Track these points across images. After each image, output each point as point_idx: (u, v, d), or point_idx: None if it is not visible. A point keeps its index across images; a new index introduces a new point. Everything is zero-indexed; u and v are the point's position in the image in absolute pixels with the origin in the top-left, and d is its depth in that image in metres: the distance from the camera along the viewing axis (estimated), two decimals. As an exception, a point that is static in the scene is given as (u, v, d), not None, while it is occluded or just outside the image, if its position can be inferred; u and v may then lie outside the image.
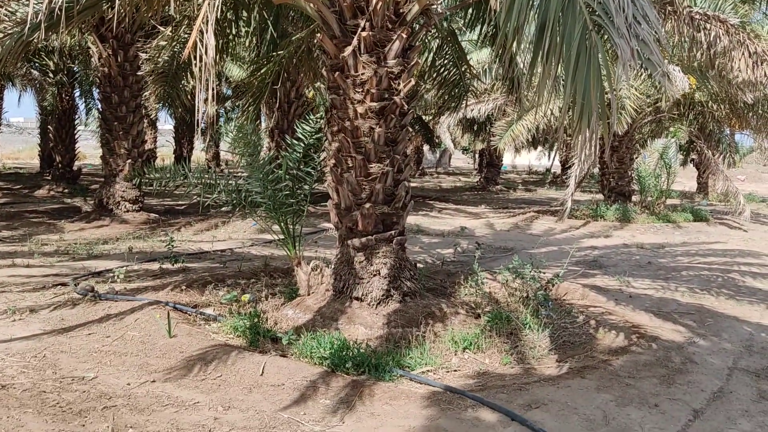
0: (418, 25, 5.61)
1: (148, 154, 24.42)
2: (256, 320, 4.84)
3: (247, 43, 7.97)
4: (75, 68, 18.00)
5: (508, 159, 35.10)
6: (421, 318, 5.28)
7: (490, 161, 25.06)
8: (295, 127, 6.53)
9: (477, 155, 32.74)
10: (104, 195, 11.85)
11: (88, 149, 28.21)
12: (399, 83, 5.32)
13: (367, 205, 5.29)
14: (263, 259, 8.32)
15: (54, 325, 5.00)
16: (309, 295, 5.74)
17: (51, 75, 17.50)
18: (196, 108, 5.36)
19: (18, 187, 18.40)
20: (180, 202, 15.07)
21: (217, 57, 6.51)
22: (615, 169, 14.77)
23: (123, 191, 11.77)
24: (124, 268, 7.32)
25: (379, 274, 5.35)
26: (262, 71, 7.67)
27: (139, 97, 12.06)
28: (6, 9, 5.64)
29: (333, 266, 5.64)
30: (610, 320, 5.74)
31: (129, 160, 11.81)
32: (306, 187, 5.97)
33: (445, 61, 7.87)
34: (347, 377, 4.13)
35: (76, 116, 18.35)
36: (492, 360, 4.74)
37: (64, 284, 6.41)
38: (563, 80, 3.27)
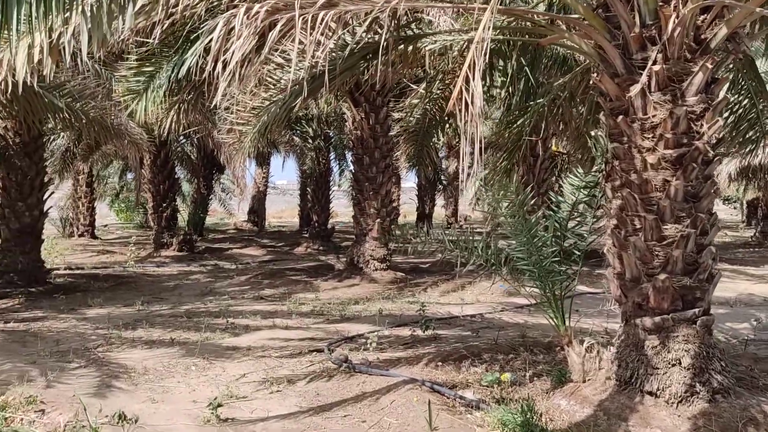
0: (721, 53, 4.54)
1: (395, 213, 25.43)
2: (528, 415, 4.05)
3: (499, 95, 7.46)
4: (330, 133, 19.29)
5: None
6: (740, 424, 4.05)
7: (766, 212, 21.53)
8: (549, 183, 5.72)
9: (744, 206, 28.58)
10: (355, 254, 12.09)
11: (340, 207, 30.12)
12: (701, 125, 4.28)
13: (662, 276, 4.26)
14: (517, 328, 7.54)
15: (310, 401, 4.72)
16: (584, 382, 4.79)
17: (310, 141, 18.94)
18: (461, 164, 4.86)
19: (281, 244, 19.99)
20: (424, 260, 14.99)
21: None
22: None
23: (372, 250, 11.88)
24: (376, 334, 7.04)
25: (680, 364, 4.24)
26: (518, 123, 7.05)
27: (389, 157, 12.25)
28: (271, 77, 5.76)
29: (615, 349, 4.65)
30: None
31: (378, 220, 11.94)
32: (577, 252, 5.11)
33: (740, 97, 6.53)
34: None
35: (331, 178, 19.54)
36: None
37: (319, 351, 6.26)
38: None
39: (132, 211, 27.91)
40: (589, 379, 4.79)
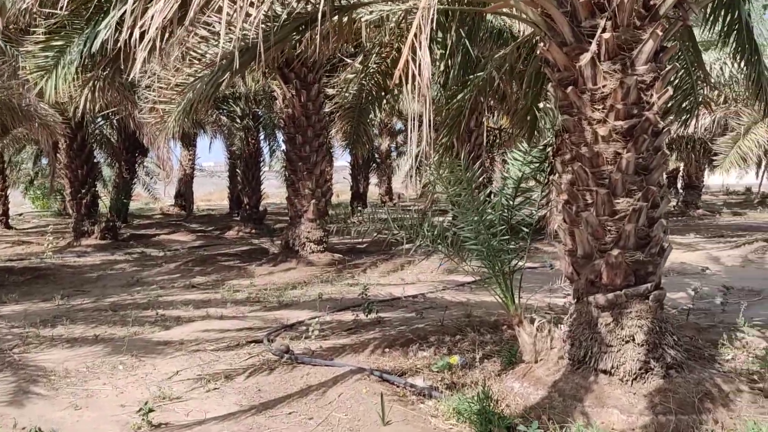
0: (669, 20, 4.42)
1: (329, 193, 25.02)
2: (485, 403, 3.86)
3: (438, 68, 7.20)
4: (260, 113, 18.65)
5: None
6: (696, 400, 4.00)
7: (689, 183, 22.41)
8: (484, 160, 5.53)
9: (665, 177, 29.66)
10: (290, 236, 11.70)
11: (271, 189, 29.46)
12: (651, 95, 4.16)
13: (615, 252, 4.14)
14: (461, 307, 7.40)
15: (251, 398, 4.39)
16: (536, 362, 4.66)
17: (239, 120, 18.25)
18: (409, 139, 4.59)
19: (210, 228, 19.30)
20: (361, 240, 14.72)
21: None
22: None
23: (308, 232, 11.52)
24: (317, 320, 6.76)
25: (633, 340, 4.15)
26: (457, 98, 6.83)
27: (323, 136, 11.86)
28: (196, 51, 5.30)
29: (567, 327, 4.53)
30: None
31: (313, 201, 11.58)
32: (525, 229, 4.95)
33: (677, 67, 6.50)
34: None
35: (261, 158, 18.94)
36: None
37: (258, 341, 5.91)
38: None
39: (48, 199, 26.39)
40: (541, 360, 4.67)
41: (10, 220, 20.70)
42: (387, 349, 5.36)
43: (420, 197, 35.81)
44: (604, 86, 4.13)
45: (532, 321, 4.89)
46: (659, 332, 4.21)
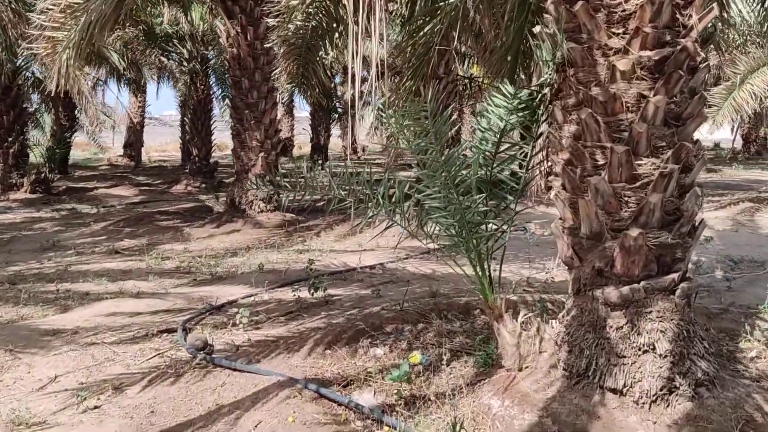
0: None
1: (285, 143, 23.46)
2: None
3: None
4: (209, 55, 17.03)
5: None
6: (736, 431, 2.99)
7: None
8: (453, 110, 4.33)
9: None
10: (236, 194, 10.43)
11: (226, 139, 27.87)
12: (689, 15, 3.01)
13: (634, 232, 3.04)
14: (425, 281, 6.33)
15: (138, 425, 3.24)
16: (521, 370, 3.60)
17: (185, 63, 16.62)
18: (356, 77, 3.39)
19: (158, 182, 17.84)
20: (317, 198, 13.50)
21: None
22: None
23: (256, 190, 10.25)
24: (251, 299, 5.61)
25: (654, 350, 3.09)
26: (424, 30, 5.59)
27: (272, 80, 10.47)
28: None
29: (563, 327, 3.45)
30: None
31: (262, 154, 10.28)
32: (510, 197, 3.82)
33: None
34: None
35: (211, 106, 17.41)
36: None
37: (172, 331, 4.74)
38: None
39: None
40: (527, 367, 3.60)
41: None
42: (331, 346, 4.24)
43: (384, 150, 34.47)
44: (626, 1, 2.96)
45: (515, 314, 3.81)
46: (687, 338, 3.16)
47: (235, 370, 3.86)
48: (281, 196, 4.45)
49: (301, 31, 6.30)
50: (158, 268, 7.17)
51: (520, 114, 3.90)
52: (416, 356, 4.03)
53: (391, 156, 16.27)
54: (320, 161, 20.98)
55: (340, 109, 21.83)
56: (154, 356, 4.23)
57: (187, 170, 18.16)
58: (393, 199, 3.83)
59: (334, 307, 5.37)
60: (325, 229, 9.69)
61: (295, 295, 5.53)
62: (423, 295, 5.61)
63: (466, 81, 16.35)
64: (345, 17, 6.14)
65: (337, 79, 21.62)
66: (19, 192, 14.19)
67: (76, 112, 19.50)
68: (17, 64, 13.90)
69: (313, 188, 4.39)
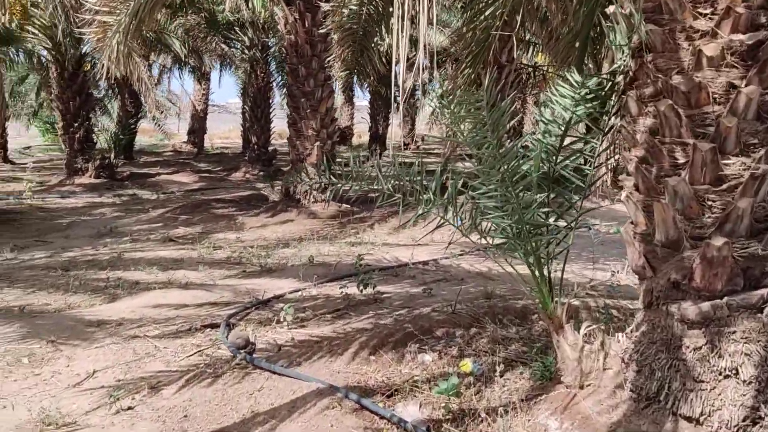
0: None
1: (344, 132, 23.34)
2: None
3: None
4: (270, 43, 17.00)
5: None
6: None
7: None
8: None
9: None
10: (291, 183, 10.30)
11: (285, 127, 28.01)
12: (792, -8, 2.60)
13: (719, 242, 2.66)
14: (480, 281, 6.03)
15: (169, 429, 3.08)
16: (582, 388, 3.26)
17: (247, 51, 16.64)
18: (403, 70, 3.11)
19: (218, 169, 18.03)
20: (375, 188, 13.29)
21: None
22: None
23: (311, 178, 10.10)
24: (299, 294, 5.45)
25: (736, 374, 2.71)
26: (485, 14, 5.25)
27: (330, 68, 10.27)
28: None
29: (631, 343, 3.10)
30: None
31: (317, 143, 10.12)
32: (575, 197, 3.47)
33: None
34: None
35: (271, 93, 17.41)
36: None
37: (215, 326, 4.60)
38: None
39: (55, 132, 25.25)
40: (588, 384, 3.26)
41: (10, 154, 19.68)
42: (377, 350, 4.00)
43: (443, 141, 33.90)
44: (718, -24, 2.58)
45: (577, 325, 3.48)
46: (777, 364, 2.76)
47: (274, 373, 3.67)
48: (328, 189, 4.21)
49: (355, 17, 6.04)
50: (209, 257, 7.10)
51: (588, 105, 3.53)
52: (467, 364, 3.76)
53: (449, 147, 15.88)
54: (377, 150, 20.77)
55: (398, 98, 21.51)
56: (195, 353, 4.10)
57: (246, 158, 18.27)
58: (445, 196, 3.55)
59: (382, 306, 5.13)
60: (379, 221, 9.46)
61: (343, 291, 5.32)
62: (477, 296, 5.31)
63: (530, 69, 15.77)
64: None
65: (399, 68, 21.29)
66: (83, 177, 14.51)
67: (141, 98, 19.91)
68: (82, 51, 14.17)
69: (361, 181, 4.17)
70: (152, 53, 18.70)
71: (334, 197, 10.16)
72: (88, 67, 15.06)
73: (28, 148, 24.67)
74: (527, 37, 12.76)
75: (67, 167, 14.79)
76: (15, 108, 23.12)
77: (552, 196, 3.51)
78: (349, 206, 10.35)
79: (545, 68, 14.54)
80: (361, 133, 30.66)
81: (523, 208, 3.22)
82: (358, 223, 9.32)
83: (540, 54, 15.53)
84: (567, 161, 3.49)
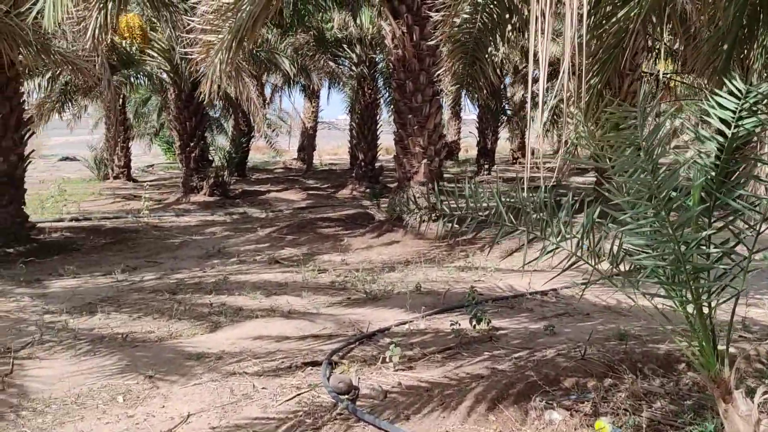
0: None
1: (450, 147, 22.85)
2: None
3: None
4: (377, 59, 16.89)
5: None
6: None
7: None
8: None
9: None
10: (397, 202, 9.94)
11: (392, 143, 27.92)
12: None
13: None
14: (609, 316, 5.37)
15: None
16: (761, 475, 2.60)
17: (355, 67, 16.60)
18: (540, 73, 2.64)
19: (326, 186, 18.07)
20: (493, 220, 12.70)
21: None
22: None
23: (418, 198, 9.70)
24: (405, 327, 5.04)
25: None
26: (618, 16, 4.63)
27: (438, 82, 9.86)
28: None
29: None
30: None
31: (425, 160, 9.72)
32: (748, 231, 2.82)
33: None
34: None
35: (378, 110, 17.27)
36: None
37: (316, 364, 4.26)
38: None
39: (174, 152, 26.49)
40: (770, 471, 2.59)
41: (133, 173, 20.70)
42: (496, 404, 3.48)
43: (555, 154, 32.63)
44: None
45: (749, 392, 2.81)
46: None
47: (379, 429, 3.25)
48: (440, 220, 3.82)
49: (468, 26, 5.58)
50: (313, 282, 6.84)
51: (756, 117, 2.88)
52: (605, 427, 3.17)
53: (565, 164, 15.01)
54: (486, 165, 20.12)
55: (509, 111, 20.77)
56: (294, 397, 3.75)
57: (353, 174, 18.22)
58: (578, 232, 3.01)
59: (498, 345, 4.61)
60: (490, 242, 8.87)
61: (453, 326, 4.84)
62: (608, 337, 4.66)
63: (655, 78, 14.63)
64: (520, 6, 5.36)
65: (508, 80, 20.51)
66: (198, 195, 14.91)
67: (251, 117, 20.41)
68: (199, 71, 14.61)
69: (476, 211, 3.74)
70: (265, 73, 19.12)
71: (443, 216, 9.73)
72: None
73: (151, 166, 26.00)
74: (650, 43, 11.80)
75: (183, 185, 15.28)
76: (139, 128, 24.43)
77: (712, 231, 2.88)
78: (457, 226, 9.84)
79: (668, 76, 13.42)
80: (468, 147, 30.06)
81: (683, 249, 2.61)
82: (467, 245, 8.79)
83: (663, 61, 14.40)
84: (736, 187, 2.84)
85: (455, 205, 3.77)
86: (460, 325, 4.84)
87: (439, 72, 7.35)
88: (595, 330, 4.92)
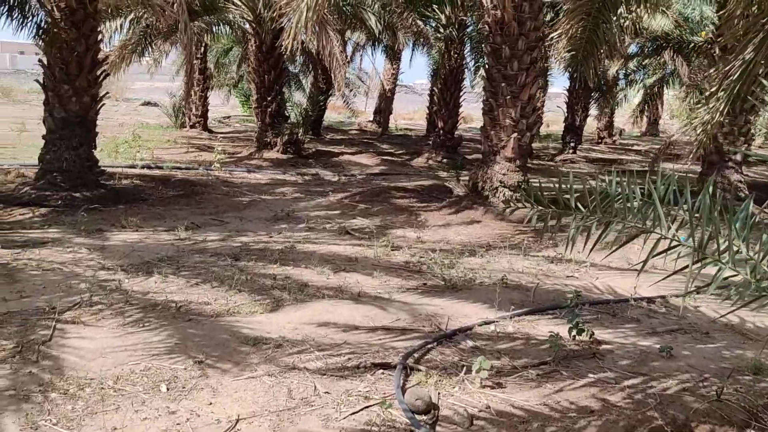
0: None
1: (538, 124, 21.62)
2: None
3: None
4: (468, 21, 15.86)
5: None
6: None
7: None
8: None
9: None
10: (480, 177, 9.15)
11: (475, 111, 26.82)
12: None
13: None
14: (731, 338, 4.52)
15: None
16: None
17: (442, 29, 15.66)
18: None
19: (400, 152, 17.37)
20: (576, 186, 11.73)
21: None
22: None
23: (503, 174, 8.88)
24: (491, 327, 4.37)
25: None
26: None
27: (537, 49, 8.92)
28: None
29: None
30: None
31: (515, 134, 8.85)
32: None
33: None
34: None
35: (463, 76, 16.31)
36: None
37: (388, 366, 3.65)
38: None
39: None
40: None
41: (210, 123, 20.55)
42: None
43: (644, 135, 30.55)
44: None
45: None
46: None
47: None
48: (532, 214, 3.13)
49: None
50: (386, 260, 6.22)
51: None
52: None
53: (663, 145, 13.74)
54: (572, 143, 18.87)
55: (603, 87, 19.35)
56: (361, 409, 3.15)
57: (430, 142, 17.42)
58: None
59: (604, 366, 3.87)
60: (583, 231, 8.01)
61: (551, 329, 4.13)
62: (738, 366, 3.87)
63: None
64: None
65: (633, 48, 18.38)
66: (272, 151, 14.50)
67: (331, 75, 19.79)
68: (281, 24, 14.04)
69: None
70: (348, 30, 18.42)
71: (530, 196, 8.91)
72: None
73: (228, 117, 25.92)
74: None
75: (257, 140, 14.90)
76: (219, 78, 24.24)
77: None
78: (543, 208, 8.99)
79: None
80: (549, 122, 28.57)
81: None
82: (558, 232, 7.94)
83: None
84: None
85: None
86: (559, 334, 4.12)
87: (551, 35, 6.46)
88: (719, 356, 4.13)
